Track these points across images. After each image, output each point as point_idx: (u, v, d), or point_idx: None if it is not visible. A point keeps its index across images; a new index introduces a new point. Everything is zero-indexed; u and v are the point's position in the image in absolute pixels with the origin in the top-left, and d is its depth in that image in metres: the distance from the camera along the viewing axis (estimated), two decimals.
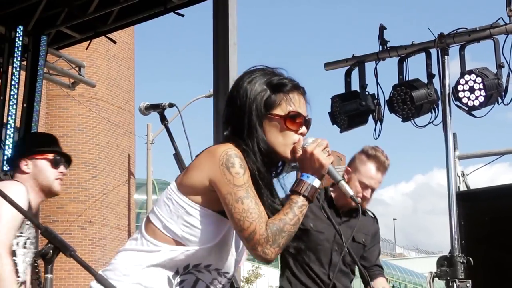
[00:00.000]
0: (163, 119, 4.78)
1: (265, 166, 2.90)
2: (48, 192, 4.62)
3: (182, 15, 9.28)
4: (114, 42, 10.46)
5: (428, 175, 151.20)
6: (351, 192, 2.95)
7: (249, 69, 3.01)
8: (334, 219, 4.87)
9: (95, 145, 22.16)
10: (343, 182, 2.94)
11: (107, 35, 9.85)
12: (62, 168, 4.64)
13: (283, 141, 2.90)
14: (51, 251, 3.02)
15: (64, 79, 11.00)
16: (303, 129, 2.93)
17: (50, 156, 4.62)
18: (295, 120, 2.90)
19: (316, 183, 2.86)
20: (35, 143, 4.79)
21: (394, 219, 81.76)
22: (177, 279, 2.91)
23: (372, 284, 5.14)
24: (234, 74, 8.28)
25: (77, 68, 10.92)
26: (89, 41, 9.90)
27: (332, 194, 5.03)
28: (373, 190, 4.98)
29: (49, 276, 3.06)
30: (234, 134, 2.92)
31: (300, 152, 2.89)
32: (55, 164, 4.62)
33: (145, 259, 2.90)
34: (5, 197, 3.43)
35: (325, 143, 2.89)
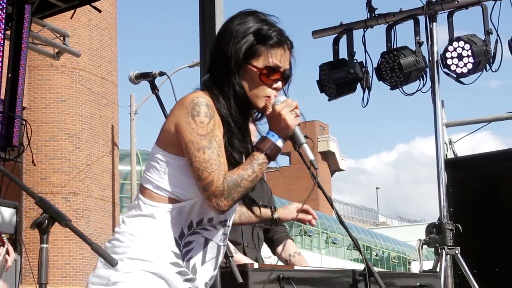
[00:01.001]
0: (153, 87, 4.72)
1: (240, 111, 2.91)
2: None
3: None
4: (99, 11, 10.35)
5: (410, 144, 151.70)
6: (311, 157, 2.91)
7: (242, 11, 3.01)
8: None
9: (78, 116, 22.01)
10: (305, 146, 2.91)
11: (91, 4, 9.74)
12: None
13: (256, 93, 2.91)
14: (46, 221, 3.01)
15: (48, 49, 10.87)
16: (278, 84, 2.93)
17: None
18: (270, 75, 2.90)
19: (280, 143, 2.86)
20: None
21: (377, 188, 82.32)
22: (184, 240, 2.91)
23: (281, 247, 5.10)
24: None
25: (61, 38, 10.78)
26: (73, 10, 9.76)
27: None
28: None
29: (44, 246, 3.06)
30: (213, 77, 2.94)
31: (270, 109, 2.89)
32: None
33: (149, 223, 2.90)
34: None
35: (295, 104, 2.88)
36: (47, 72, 21.65)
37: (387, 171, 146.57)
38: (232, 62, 2.89)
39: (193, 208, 2.89)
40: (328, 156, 61.37)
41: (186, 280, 2.92)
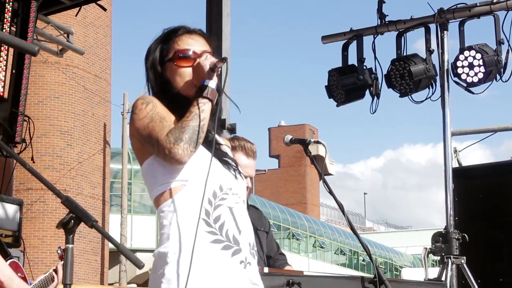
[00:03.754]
0: None
1: (182, 106, 3.02)
2: None
3: None
4: (105, 9, 10.31)
5: (398, 151, 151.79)
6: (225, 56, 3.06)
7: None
8: None
9: (70, 113, 21.92)
10: (224, 61, 3.05)
11: (97, 2, 9.67)
12: None
13: (181, 80, 3.06)
14: (72, 221, 2.99)
15: (51, 46, 10.78)
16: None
17: None
18: (184, 57, 3.05)
19: (212, 83, 2.97)
20: None
21: (364, 194, 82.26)
22: (212, 217, 2.96)
23: None
24: (227, 46, 8.19)
25: (65, 35, 10.70)
26: (79, 7, 9.71)
27: None
28: (251, 178, 4.85)
29: (70, 246, 3.03)
30: (153, 92, 3.15)
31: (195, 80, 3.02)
32: None
33: (178, 217, 2.96)
34: (24, 164, 3.36)
35: (205, 55, 3.02)
36: (41, 68, 21.54)
37: (375, 177, 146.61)
38: (154, 72, 3.11)
39: (198, 183, 2.94)
40: (317, 160, 61.22)
41: (234, 254, 2.95)
